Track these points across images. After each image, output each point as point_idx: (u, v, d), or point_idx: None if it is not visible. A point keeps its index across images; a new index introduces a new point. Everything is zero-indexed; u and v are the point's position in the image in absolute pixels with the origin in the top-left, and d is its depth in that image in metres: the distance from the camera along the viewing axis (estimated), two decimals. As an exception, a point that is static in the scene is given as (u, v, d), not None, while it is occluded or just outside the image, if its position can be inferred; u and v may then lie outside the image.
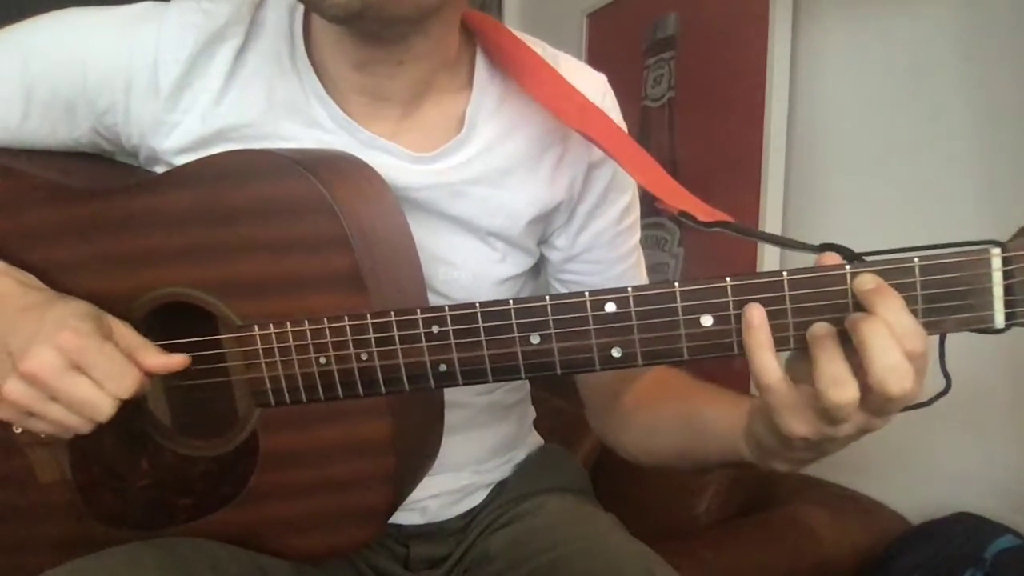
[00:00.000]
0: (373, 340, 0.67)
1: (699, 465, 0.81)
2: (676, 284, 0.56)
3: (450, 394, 0.86)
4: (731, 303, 0.56)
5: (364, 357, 0.67)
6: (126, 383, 0.69)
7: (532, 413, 1.09)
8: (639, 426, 0.88)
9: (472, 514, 0.98)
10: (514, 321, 0.61)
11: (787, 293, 0.55)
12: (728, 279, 0.55)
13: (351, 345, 0.68)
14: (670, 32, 1.88)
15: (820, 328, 0.56)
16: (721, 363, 0.59)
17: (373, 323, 0.66)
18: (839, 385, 0.54)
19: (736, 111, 1.66)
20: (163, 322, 0.77)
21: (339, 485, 0.75)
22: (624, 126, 0.87)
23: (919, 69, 1.35)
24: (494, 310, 0.62)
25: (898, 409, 0.56)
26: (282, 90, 0.81)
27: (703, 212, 0.70)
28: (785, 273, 0.55)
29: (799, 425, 0.57)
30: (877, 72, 1.42)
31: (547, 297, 0.60)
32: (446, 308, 0.63)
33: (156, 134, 0.81)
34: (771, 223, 1.58)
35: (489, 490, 0.99)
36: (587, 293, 0.59)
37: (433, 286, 0.84)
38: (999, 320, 0.55)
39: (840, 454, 1.44)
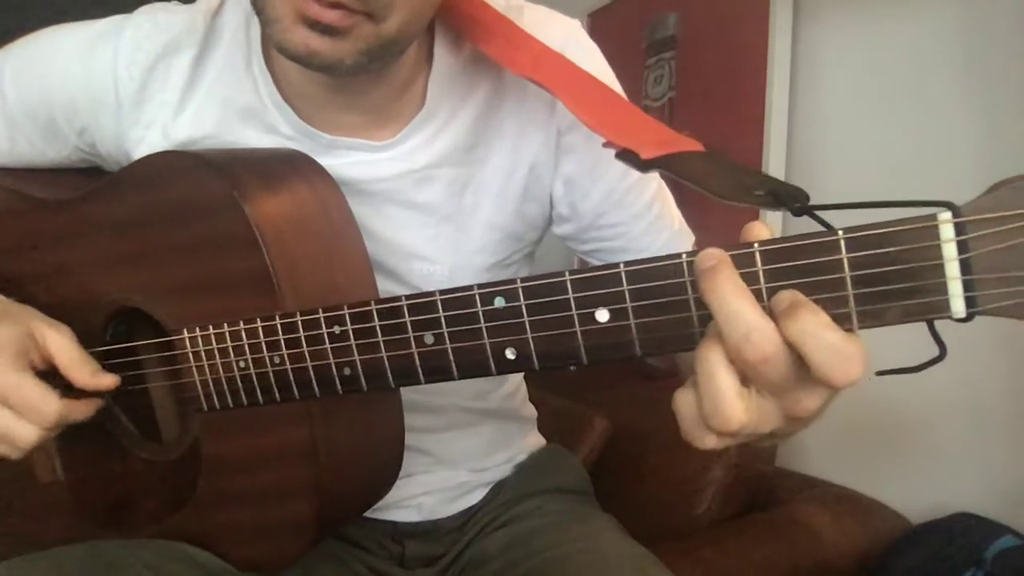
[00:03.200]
0: (283, 342, 0.57)
1: None
2: (566, 273, 0.43)
3: (441, 399, 0.80)
4: (627, 293, 0.42)
5: (277, 360, 0.58)
6: (45, 412, 0.62)
7: (533, 414, 0.99)
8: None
9: (469, 513, 0.88)
10: (407, 319, 0.49)
11: (687, 279, 0.41)
12: (622, 265, 0.42)
13: (264, 348, 0.58)
14: (670, 32, 1.78)
15: (709, 328, 0.41)
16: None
17: (281, 324, 0.57)
18: (717, 415, 0.40)
19: (736, 111, 1.56)
20: (128, 326, 0.72)
21: (269, 495, 0.66)
22: (606, 72, 0.76)
23: (919, 69, 1.25)
24: (388, 307, 0.51)
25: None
26: (239, 98, 0.73)
27: (656, 144, 0.56)
28: (684, 256, 0.40)
29: (708, 440, 0.43)
30: (877, 72, 1.33)
31: (437, 292, 0.48)
32: (345, 307, 0.53)
33: (127, 150, 0.75)
34: (771, 223, 1.44)
35: (487, 490, 0.90)
36: (476, 286, 0.47)
37: (411, 282, 0.75)
38: (957, 307, 0.38)
39: (840, 454, 1.27)
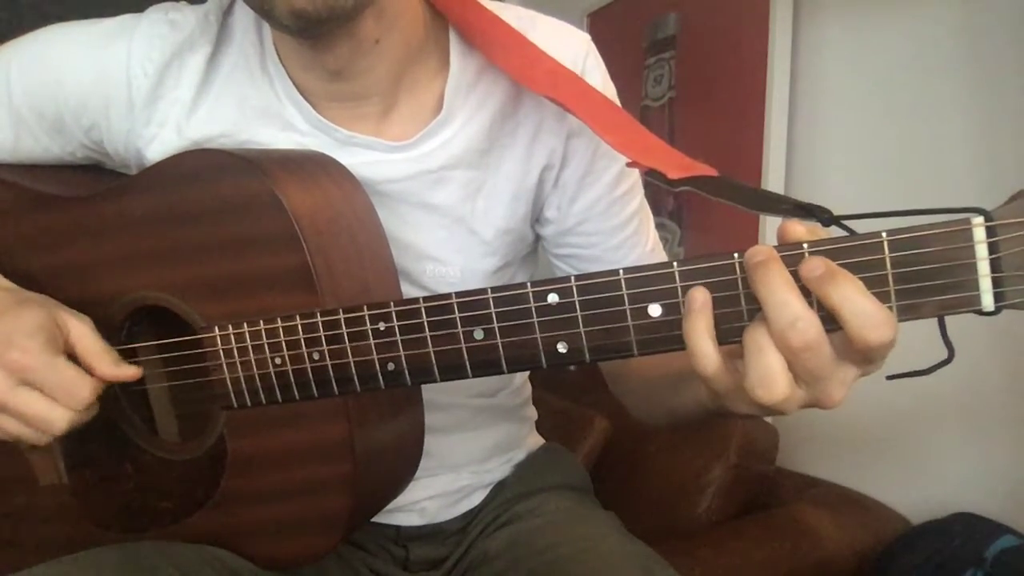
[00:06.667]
0: (323, 339, 0.60)
1: (688, 421, 0.72)
2: (620, 271, 0.47)
3: (449, 396, 0.82)
4: (679, 289, 0.46)
5: (316, 357, 0.60)
6: (80, 396, 0.64)
7: (534, 415, 1.01)
8: (636, 390, 0.81)
9: (471, 515, 0.91)
10: (457, 315, 0.53)
11: (739, 277, 0.45)
12: (675, 264, 0.46)
13: (303, 344, 0.61)
14: (670, 32, 1.81)
15: (756, 317, 0.47)
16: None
17: (323, 321, 0.59)
18: (764, 386, 0.46)
19: (736, 111, 1.59)
20: (146, 324, 0.73)
21: (301, 491, 0.68)
22: (610, 88, 0.79)
23: (919, 68, 1.27)
24: (437, 304, 0.54)
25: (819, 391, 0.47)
26: (254, 96, 0.75)
27: (679, 168, 0.60)
28: (736, 255, 0.45)
29: (744, 407, 0.49)
30: (877, 71, 1.35)
31: (488, 289, 0.51)
32: (391, 304, 0.56)
33: (138, 147, 0.76)
34: (771, 223, 1.50)
35: (488, 490, 0.92)
36: (528, 284, 0.50)
37: (422, 283, 0.78)
38: (987, 302, 0.43)
39: (840, 454, 1.31)
